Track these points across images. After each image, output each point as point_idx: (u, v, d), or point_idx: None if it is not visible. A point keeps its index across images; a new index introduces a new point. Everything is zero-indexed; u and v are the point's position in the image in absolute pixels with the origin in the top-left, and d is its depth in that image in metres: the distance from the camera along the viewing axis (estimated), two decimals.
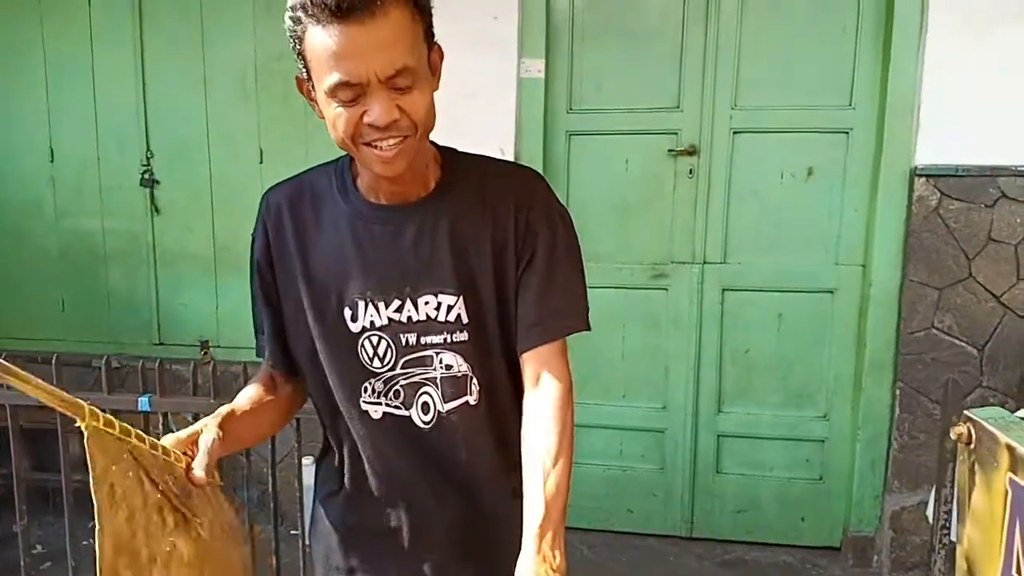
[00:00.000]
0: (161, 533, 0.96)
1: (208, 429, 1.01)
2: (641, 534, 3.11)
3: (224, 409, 1.09)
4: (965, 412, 0.84)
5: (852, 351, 2.90)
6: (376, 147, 1.00)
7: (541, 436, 1.06)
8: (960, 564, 0.85)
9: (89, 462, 0.85)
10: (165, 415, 2.21)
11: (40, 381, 0.79)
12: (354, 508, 1.24)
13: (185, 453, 0.99)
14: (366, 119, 0.98)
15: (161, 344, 3.35)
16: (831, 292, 2.90)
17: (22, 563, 2.25)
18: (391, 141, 1.00)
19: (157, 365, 2.18)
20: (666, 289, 3.00)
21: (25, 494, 2.25)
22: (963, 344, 2.70)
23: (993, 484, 0.79)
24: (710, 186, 2.92)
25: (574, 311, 1.14)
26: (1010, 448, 0.77)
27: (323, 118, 1.03)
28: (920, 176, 2.66)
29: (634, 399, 3.08)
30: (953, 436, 0.83)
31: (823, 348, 2.93)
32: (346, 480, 1.23)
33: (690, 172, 2.93)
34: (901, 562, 2.78)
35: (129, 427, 0.90)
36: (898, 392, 2.76)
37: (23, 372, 0.76)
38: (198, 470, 0.97)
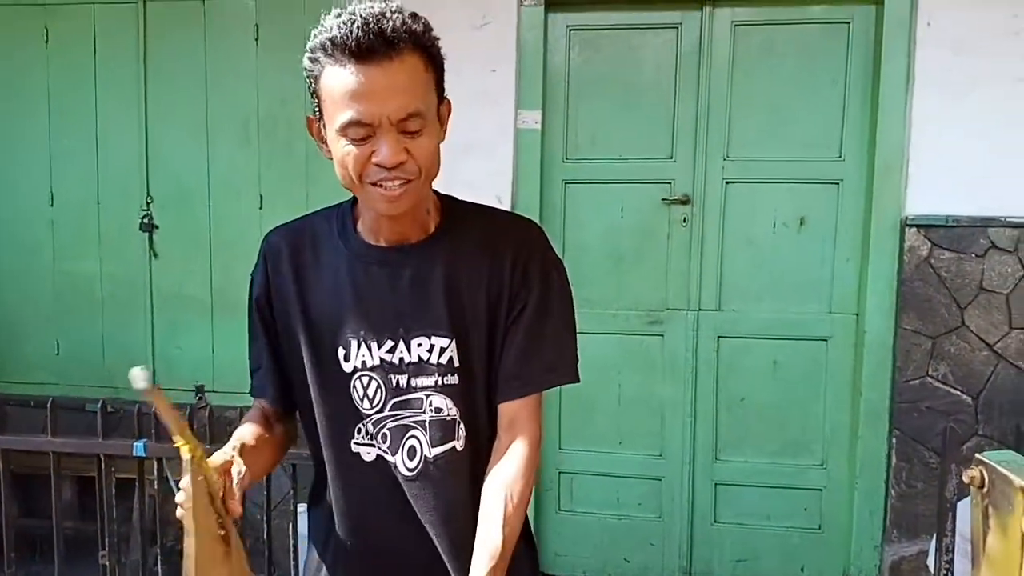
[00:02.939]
0: (218, 563, 0.98)
1: (236, 460, 1.02)
2: None
3: (236, 443, 1.09)
4: (977, 456, 0.85)
5: (848, 399, 2.92)
6: (381, 187, 1.03)
7: (508, 480, 1.09)
8: None
9: (189, 488, 0.92)
10: (160, 460, 2.19)
11: (171, 408, 0.90)
12: (340, 558, 1.23)
13: None
14: (374, 159, 1.01)
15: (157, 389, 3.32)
16: (825, 340, 2.93)
17: None
18: (397, 182, 1.02)
19: (152, 410, 2.17)
20: (662, 336, 3.02)
21: (13, 540, 2.21)
22: (958, 392, 2.72)
23: (1009, 528, 0.80)
24: (704, 234, 2.97)
25: (559, 366, 1.16)
26: None
27: (330, 158, 1.06)
28: (911, 226, 2.72)
29: (630, 446, 3.07)
30: (966, 479, 0.84)
31: (819, 396, 2.95)
32: (336, 526, 1.22)
33: (684, 220, 2.98)
34: None
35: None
36: (894, 440, 2.77)
37: (164, 397, 0.90)
38: (235, 500, 1.00)
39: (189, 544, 0.92)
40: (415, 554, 1.18)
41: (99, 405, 2.17)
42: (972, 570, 0.85)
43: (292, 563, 2.16)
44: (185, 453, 0.91)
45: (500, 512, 1.06)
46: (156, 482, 2.17)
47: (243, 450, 1.08)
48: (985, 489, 0.84)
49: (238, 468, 1.01)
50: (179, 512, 1.02)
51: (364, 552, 1.21)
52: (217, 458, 1.03)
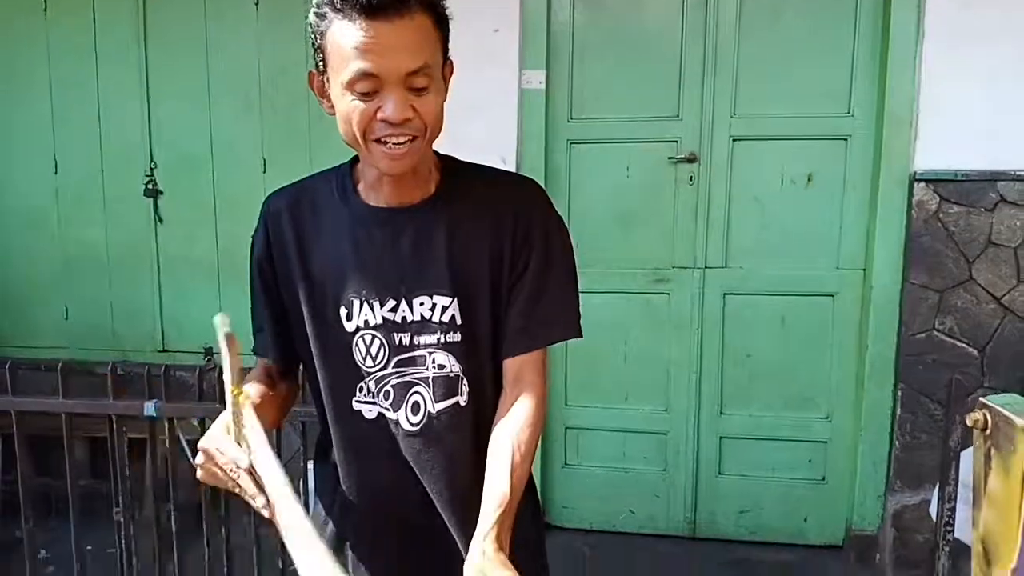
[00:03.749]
0: None
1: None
2: (643, 535, 3.12)
3: None
4: (980, 399, 0.86)
5: (854, 354, 2.92)
6: (385, 143, 1.02)
7: (515, 431, 1.10)
8: (976, 548, 0.87)
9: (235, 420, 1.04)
10: (171, 420, 2.21)
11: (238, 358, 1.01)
12: (346, 513, 1.25)
13: None
14: (380, 115, 1.01)
15: (165, 351, 3.35)
16: (832, 296, 2.93)
17: (28, 567, 2.25)
18: (401, 139, 1.02)
19: (162, 372, 2.19)
20: (668, 294, 3.02)
21: (30, 499, 2.25)
22: (964, 346, 2.73)
23: (1011, 468, 0.81)
24: (710, 192, 2.95)
25: (562, 321, 1.18)
26: None
27: (332, 114, 1.06)
28: (919, 181, 2.70)
29: (636, 402, 3.10)
30: (969, 423, 0.85)
31: (825, 351, 2.95)
32: (341, 483, 1.25)
33: (690, 179, 2.96)
34: (904, 560, 2.80)
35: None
36: (900, 394, 2.78)
37: (237, 344, 1.01)
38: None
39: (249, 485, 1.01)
40: (417, 509, 1.20)
41: (109, 367, 2.19)
42: (973, 511, 0.86)
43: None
44: (238, 402, 1.00)
45: (507, 461, 1.08)
46: (167, 442, 2.20)
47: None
48: (988, 431, 0.84)
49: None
50: (199, 473, 1.05)
51: (368, 507, 1.23)
52: (221, 419, 1.05)
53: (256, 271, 1.22)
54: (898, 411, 2.79)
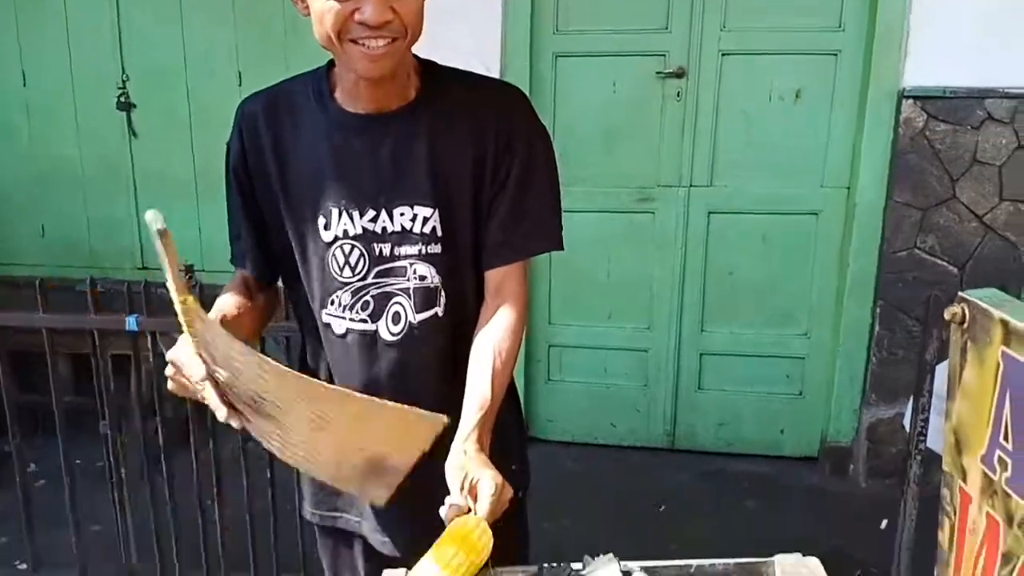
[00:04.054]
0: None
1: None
2: (623, 447, 3.20)
3: (216, 314, 1.10)
4: (959, 294, 0.86)
5: (835, 271, 2.95)
6: (363, 45, 0.99)
7: (496, 339, 1.10)
8: (948, 439, 0.89)
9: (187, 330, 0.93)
10: (154, 335, 2.20)
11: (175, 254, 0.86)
12: None
13: None
14: (358, 16, 0.97)
15: (144, 268, 3.32)
16: (816, 214, 2.93)
17: (18, 481, 2.27)
18: (380, 42, 0.99)
19: (143, 288, 2.17)
20: (652, 213, 3.01)
21: (16, 415, 2.25)
22: (944, 263, 2.75)
23: (985, 359, 0.82)
24: (698, 109, 2.91)
25: (544, 233, 1.16)
26: (1004, 322, 0.80)
27: (307, 14, 1.02)
28: (907, 98, 2.67)
29: (619, 320, 3.13)
30: (947, 316, 0.86)
31: (806, 269, 2.98)
32: None
33: (678, 95, 2.91)
34: (876, 470, 2.90)
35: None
36: (878, 310, 2.82)
37: (173, 242, 0.85)
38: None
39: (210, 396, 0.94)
40: None
41: (88, 281, 2.16)
42: (947, 402, 0.87)
43: None
44: (178, 302, 0.89)
45: (489, 368, 1.08)
46: (151, 357, 2.19)
47: (224, 321, 1.07)
48: (965, 324, 0.86)
49: None
50: (169, 385, 1.03)
51: None
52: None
53: (232, 177, 1.18)
54: (876, 327, 2.83)
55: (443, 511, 0.95)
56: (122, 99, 3.20)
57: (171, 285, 0.89)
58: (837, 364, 2.95)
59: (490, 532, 0.94)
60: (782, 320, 3.04)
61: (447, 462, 1.01)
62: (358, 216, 1.11)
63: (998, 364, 0.80)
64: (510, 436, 1.25)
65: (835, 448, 3.01)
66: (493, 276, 1.15)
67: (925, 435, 2.03)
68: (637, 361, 3.15)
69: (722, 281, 3.03)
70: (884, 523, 2.59)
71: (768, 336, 3.05)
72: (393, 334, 1.15)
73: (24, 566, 2.42)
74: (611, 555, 1.15)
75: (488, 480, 0.95)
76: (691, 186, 2.96)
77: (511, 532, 1.06)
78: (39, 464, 2.76)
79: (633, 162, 2.98)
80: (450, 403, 1.04)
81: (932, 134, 2.68)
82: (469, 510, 0.95)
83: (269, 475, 2.18)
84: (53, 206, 3.35)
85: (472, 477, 0.96)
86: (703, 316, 3.07)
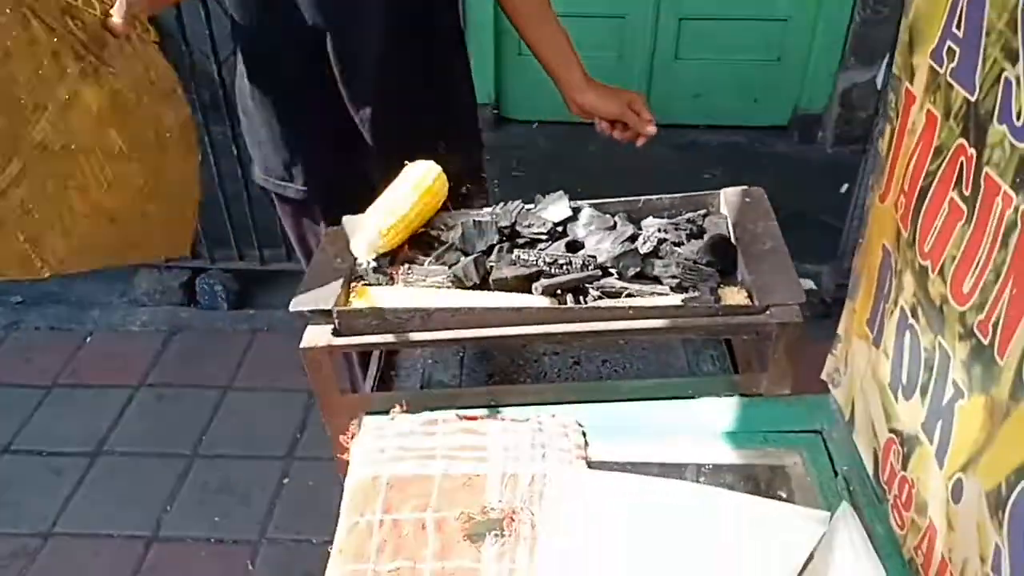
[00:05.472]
0: (56, 80, 0.93)
1: None
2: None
3: None
4: None
5: None
6: None
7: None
8: (903, 38, 0.86)
9: None
10: None
11: None
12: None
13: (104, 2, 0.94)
14: None
15: None
16: None
17: None
18: None
19: None
20: None
21: None
22: None
23: None
24: None
25: None
26: None
27: None
28: None
29: None
30: None
31: None
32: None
33: None
34: (844, 137, 2.92)
35: None
36: None
37: None
38: (116, 17, 0.94)
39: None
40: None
41: None
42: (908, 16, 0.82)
43: None
44: None
45: (553, 20, 1.29)
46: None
47: None
48: None
49: None
50: None
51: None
52: None
53: None
54: None
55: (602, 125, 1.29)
56: None
57: None
58: (819, 27, 2.82)
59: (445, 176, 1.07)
60: None
61: (582, 97, 1.29)
62: None
63: None
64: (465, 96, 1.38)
65: (806, 116, 3.00)
66: None
67: None
68: (613, 28, 3.00)
69: None
70: (844, 187, 2.67)
71: None
72: None
73: None
74: (560, 192, 1.20)
75: (635, 95, 1.25)
76: None
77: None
78: None
79: None
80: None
81: None
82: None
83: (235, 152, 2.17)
84: None
85: (625, 99, 1.24)
86: None
